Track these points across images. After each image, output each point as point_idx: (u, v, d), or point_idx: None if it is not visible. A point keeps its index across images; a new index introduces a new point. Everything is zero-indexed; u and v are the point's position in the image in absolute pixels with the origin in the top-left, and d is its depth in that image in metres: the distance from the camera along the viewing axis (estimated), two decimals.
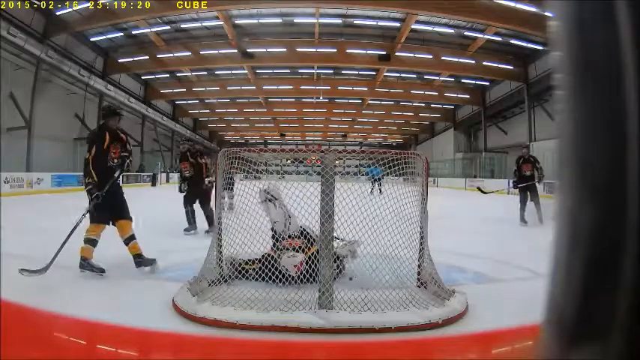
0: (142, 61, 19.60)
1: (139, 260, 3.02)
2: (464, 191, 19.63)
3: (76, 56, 17.01)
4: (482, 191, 8.07)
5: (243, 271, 2.62)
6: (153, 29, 17.18)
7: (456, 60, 18.53)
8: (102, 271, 2.87)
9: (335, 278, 2.31)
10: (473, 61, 18.50)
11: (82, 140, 18.10)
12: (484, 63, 18.59)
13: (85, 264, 2.86)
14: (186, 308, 2.07)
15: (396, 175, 2.51)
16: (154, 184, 19.64)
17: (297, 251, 2.61)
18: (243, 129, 36.58)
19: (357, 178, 2.61)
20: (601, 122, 0.33)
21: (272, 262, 2.47)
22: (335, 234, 2.17)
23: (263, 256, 2.57)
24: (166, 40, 18.33)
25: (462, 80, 22.38)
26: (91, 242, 2.93)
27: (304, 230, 2.77)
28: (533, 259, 3.05)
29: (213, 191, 4.19)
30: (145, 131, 24.00)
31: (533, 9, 13.32)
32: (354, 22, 16.79)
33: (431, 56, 18.29)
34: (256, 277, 2.49)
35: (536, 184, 6.25)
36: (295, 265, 2.48)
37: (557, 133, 0.36)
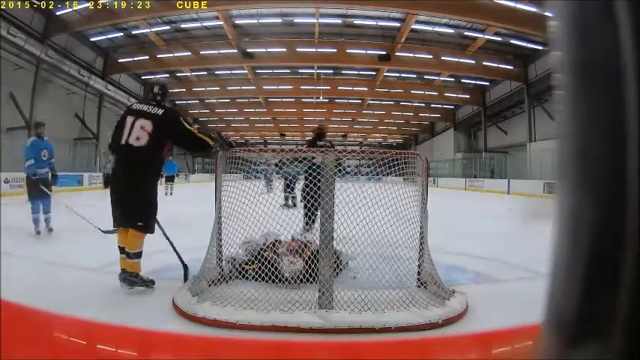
0: (142, 61, 19.59)
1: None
2: (464, 191, 19.62)
3: (76, 56, 17.01)
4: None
5: (243, 271, 2.62)
6: (153, 29, 17.17)
7: (456, 60, 18.53)
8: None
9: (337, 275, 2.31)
10: (473, 61, 18.50)
11: (82, 140, 18.15)
12: (484, 63, 18.59)
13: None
14: (186, 308, 2.07)
15: (395, 175, 2.51)
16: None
17: (296, 255, 2.61)
18: (243, 129, 36.57)
19: (357, 177, 2.61)
20: (601, 122, 0.33)
21: (269, 265, 2.47)
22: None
23: (261, 259, 2.56)
24: (166, 40, 18.33)
25: (462, 80, 22.38)
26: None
27: (295, 239, 2.78)
28: (533, 259, 3.05)
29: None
30: None
31: (533, 9, 13.33)
32: (354, 22, 16.78)
33: (431, 56, 18.28)
34: (256, 277, 2.49)
35: None
36: (293, 272, 2.48)
37: (558, 133, 0.36)
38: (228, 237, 2.51)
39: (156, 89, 2.64)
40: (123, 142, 2.46)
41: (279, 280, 2.42)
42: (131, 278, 2.45)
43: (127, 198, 2.48)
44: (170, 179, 13.02)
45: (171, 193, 12.49)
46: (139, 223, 2.46)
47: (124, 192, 2.49)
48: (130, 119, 2.47)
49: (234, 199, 2.43)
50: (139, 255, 2.48)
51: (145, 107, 2.52)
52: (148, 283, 2.49)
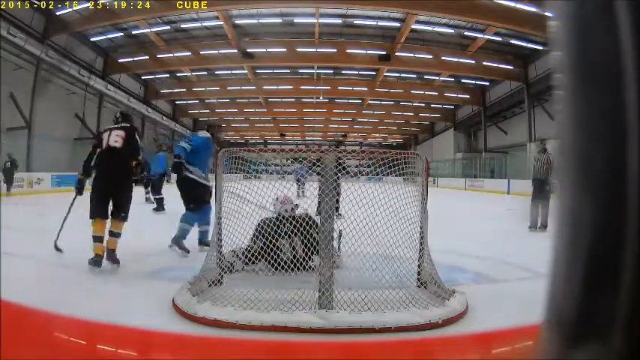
0: (142, 61, 19.59)
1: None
2: (464, 191, 19.62)
3: (76, 56, 17.00)
4: None
5: (250, 254, 2.66)
6: (153, 29, 17.17)
7: (456, 60, 18.53)
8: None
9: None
10: (473, 61, 18.50)
11: (82, 140, 18.14)
12: (484, 63, 18.59)
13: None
14: (186, 308, 2.07)
15: (395, 175, 2.51)
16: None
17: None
18: (243, 129, 36.57)
19: (357, 178, 2.61)
20: (601, 122, 0.33)
21: (271, 224, 2.56)
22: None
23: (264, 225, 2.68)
24: (166, 40, 18.33)
25: (462, 80, 22.37)
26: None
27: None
28: (533, 259, 3.05)
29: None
30: (145, 131, 24.00)
31: (533, 9, 13.33)
32: (354, 22, 16.78)
33: (431, 56, 18.28)
34: (261, 252, 2.55)
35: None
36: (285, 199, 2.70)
37: (558, 133, 0.36)
38: (228, 237, 2.51)
39: (118, 114, 3.57)
40: (104, 146, 3.20)
41: (280, 264, 2.44)
42: (114, 257, 3.08)
43: (114, 193, 3.17)
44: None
45: None
46: (123, 215, 3.19)
47: (112, 188, 3.18)
48: (106, 134, 3.28)
49: (234, 199, 2.43)
50: (120, 235, 3.16)
51: (116, 125, 3.38)
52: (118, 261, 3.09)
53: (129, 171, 3.25)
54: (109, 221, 3.12)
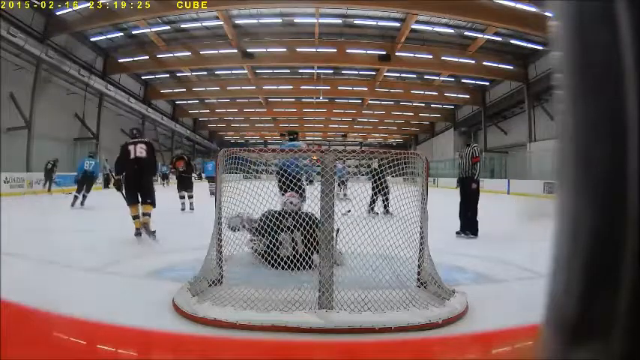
0: (141, 61, 19.59)
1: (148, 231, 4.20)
2: None
3: (76, 56, 17.00)
4: None
5: (255, 228, 2.79)
6: (153, 29, 17.18)
7: (456, 60, 18.53)
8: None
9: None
10: (473, 61, 18.49)
11: (81, 140, 18.15)
12: (484, 63, 18.59)
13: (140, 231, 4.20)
14: (186, 308, 2.07)
15: (395, 175, 2.51)
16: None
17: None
18: (243, 129, 36.57)
19: (356, 178, 2.62)
20: (601, 122, 0.33)
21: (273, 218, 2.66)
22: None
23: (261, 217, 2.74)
24: (166, 40, 18.33)
25: (462, 80, 22.37)
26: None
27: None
28: (533, 259, 3.05)
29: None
30: (145, 131, 23.99)
31: (533, 9, 13.33)
32: (354, 22, 16.79)
33: (431, 56, 18.28)
34: (262, 232, 2.66)
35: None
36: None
37: (558, 133, 0.36)
38: (228, 237, 2.51)
39: (135, 131, 4.76)
40: (132, 156, 4.28)
41: (278, 259, 2.46)
42: (149, 230, 4.17)
43: (143, 187, 4.28)
44: (212, 179, 11.93)
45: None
46: (149, 201, 4.29)
47: (141, 184, 4.29)
48: (132, 146, 4.34)
49: (234, 199, 2.43)
50: (150, 214, 4.28)
51: (138, 140, 4.45)
52: (154, 233, 4.20)
53: (150, 173, 4.45)
54: (140, 206, 4.23)
